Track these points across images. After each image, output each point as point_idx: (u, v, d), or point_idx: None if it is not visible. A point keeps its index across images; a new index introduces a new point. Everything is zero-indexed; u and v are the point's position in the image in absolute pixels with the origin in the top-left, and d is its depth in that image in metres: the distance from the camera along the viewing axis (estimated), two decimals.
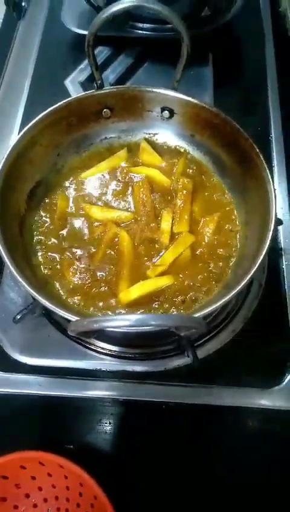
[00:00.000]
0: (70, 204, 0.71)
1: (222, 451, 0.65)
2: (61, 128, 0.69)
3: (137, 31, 0.93)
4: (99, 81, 0.66)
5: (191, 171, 0.73)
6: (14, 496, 0.60)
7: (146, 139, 0.75)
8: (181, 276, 0.65)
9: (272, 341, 0.70)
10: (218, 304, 0.52)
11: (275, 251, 0.77)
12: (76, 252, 0.67)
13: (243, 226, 0.67)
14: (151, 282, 0.63)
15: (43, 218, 0.69)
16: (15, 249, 0.60)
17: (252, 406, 0.66)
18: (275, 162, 0.86)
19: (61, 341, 0.69)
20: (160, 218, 0.68)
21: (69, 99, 0.66)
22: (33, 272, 0.63)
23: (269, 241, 0.55)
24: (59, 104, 0.65)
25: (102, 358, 0.69)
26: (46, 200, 0.70)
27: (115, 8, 0.55)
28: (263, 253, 0.54)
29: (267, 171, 0.60)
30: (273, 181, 0.82)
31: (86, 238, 0.68)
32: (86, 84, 0.93)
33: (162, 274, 0.65)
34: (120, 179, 0.73)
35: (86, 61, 0.90)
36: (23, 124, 0.64)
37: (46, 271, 0.65)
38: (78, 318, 0.48)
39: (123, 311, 0.63)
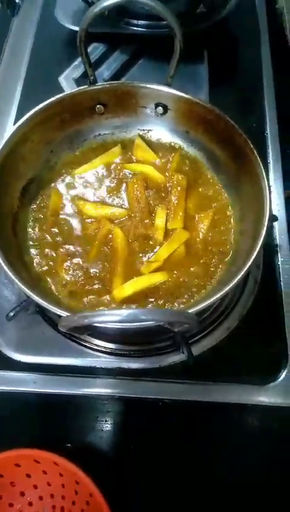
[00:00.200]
0: (64, 201, 0.70)
1: (218, 448, 0.65)
2: (54, 125, 0.68)
3: (132, 27, 0.93)
4: (92, 77, 0.66)
5: (185, 167, 0.73)
6: (9, 494, 0.60)
7: (140, 136, 0.75)
8: (175, 272, 0.65)
9: (267, 338, 0.70)
10: (212, 299, 0.52)
11: (270, 247, 0.77)
12: (69, 248, 0.66)
13: (237, 222, 0.67)
14: (145, 279, 0.63)
15: (37, 215, 0.69)
16: (8, 246, 0.60)
17: (247, 402, 0.65)
18: (270, 159, 0.86)
19: (56, 338, 0.69)
20: (154, 214, 0.68)
21: (62, 95, 0.65)
22: (26, 269, 0.63)
23: (263, 237, 0.55)
24: (51, 100, 0.64)
25: (97, 355, 0.69)
26: (39, 197, 0.70)
27: (106, 2, 0.55)
28: (257, 249, 0.54)
29: (262, 166, 0.59)
30: (268, 177, 0.82)
31: (79, 234, 0.68)
32: (81, 80, 0.92)
33: (156, 270, 0.64)
34: (114, 175, 0.72)
35: (80, 58, 0.89)
36: (16, 121, 0.63)
37: (39, 268, 0.65)
38: (68, 314, 0.48)
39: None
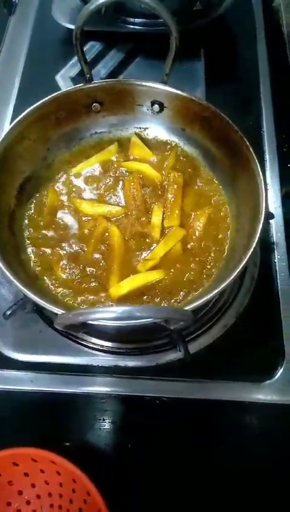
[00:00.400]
0: (61, 199, 0.70)
1: (215, 446, 0.65)
2: (50, 123, 0.68)
3: (129, 25, 0.93)
4: (88, 75, 0.66)
5: (182, 165, 0.73)
6: (7, 493, 0.60)
7: (137, 134, 0.75)
8: (172, 270, 0.65)
9: (264, 335, 0.70)
10: (208, 296, 0.52)
11: (267, 245, 0.77)
12: (66, 247, 0.66)
13: (234, 220, 0.67)
14: (142, 277, 0.63)
15: (33, 213, 0.69)
16: (5, 244, 0.60)
17: (244, 400, 0.65)
18: (267, 156, 0.86)
19: (53, 337, 0.69)
20: (151, 212, 0.68)
21: (57, 93, 0.65)
22: (23, 267, 0.63)
23: (260, 234, 0.55)
24: (47, 98, 0.64)
25: (94, 353, 0.69)
26: (36, 195, 0.70)
27: (102, 0, 0.55)
28: (253, 246, 0.54)
29: (257, 163, 0.59)
30: (265, 175, 0.82)
31: (76, 233, 0.68)
32: (77, 79, 0.92)
33: (153, 268, 0.64)
34: (111, 173, 0.72)
35: (76, 56, 0.90)
36: (13, 120, 0.63)
37: (36, 266, 0.65)
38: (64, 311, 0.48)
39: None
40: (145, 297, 0.63)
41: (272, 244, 0.77)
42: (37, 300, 0.52)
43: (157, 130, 0.75)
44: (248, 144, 0.61)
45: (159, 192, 0.70)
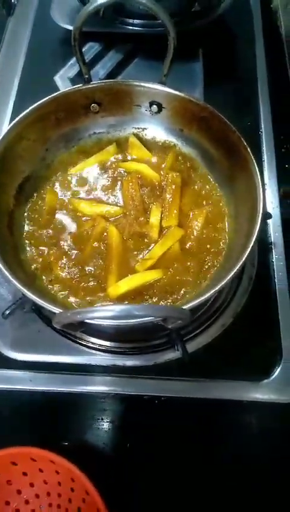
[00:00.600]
0: (59, 199, 0.71)
1: (214, 444, 0.65)
2: (49, 123, 0.69)
3: (127, 26, 0.93)
4: (86, 76, 0.66)
5: (180, 165, 0.73)
6: (5, 492, 0.60)
7: (135, 134, 0.75)
8: (170, 269, 0.65)
9: (261, 335, 0.70)
10: (206, 295, 0.52)
11: (265, 245, 0.77)
12: (65, 246, 0.66)
13: (231, 220, 0.67)
14: (140, 276, 0.63)
15: (32, 213, 0.69)
16: (4, 244, 0.60)
17: (242, 399, 0.66)
18: (265, 157, 0.86)
19: (52, 336, 0.69)
20: (149, 212, 0.69)
21: (56, 94, 0.65)
22: (22, 267, 0.63)
23: (257, 234, 0.55)
24: (46, 98, 0.65)
25: (93, 353, 0.69)
26: (35, 195, 0.70)
27: (100, 1, 0.55)
28: (251, 245, 0.54)
29: (255, 163, 0.60)
30: (263, 175, 0.83)
31: (74, 232, 0.68)
32: (76, 79, 0.92)
33: (151, 268, 0.65)
34: (109, 173, 0.73)
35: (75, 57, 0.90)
36: (12, 121, 0.64)
37: (34, 266, 0.65)
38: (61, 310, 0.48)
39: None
40: (143, 297, 0.63)
41: (270, 244, 0.77)
42: (35, 299, 0.52)
43: (155, 130, 0.75)
44: (245, 144, 0.61)
45: (157, 192, 0.71)
